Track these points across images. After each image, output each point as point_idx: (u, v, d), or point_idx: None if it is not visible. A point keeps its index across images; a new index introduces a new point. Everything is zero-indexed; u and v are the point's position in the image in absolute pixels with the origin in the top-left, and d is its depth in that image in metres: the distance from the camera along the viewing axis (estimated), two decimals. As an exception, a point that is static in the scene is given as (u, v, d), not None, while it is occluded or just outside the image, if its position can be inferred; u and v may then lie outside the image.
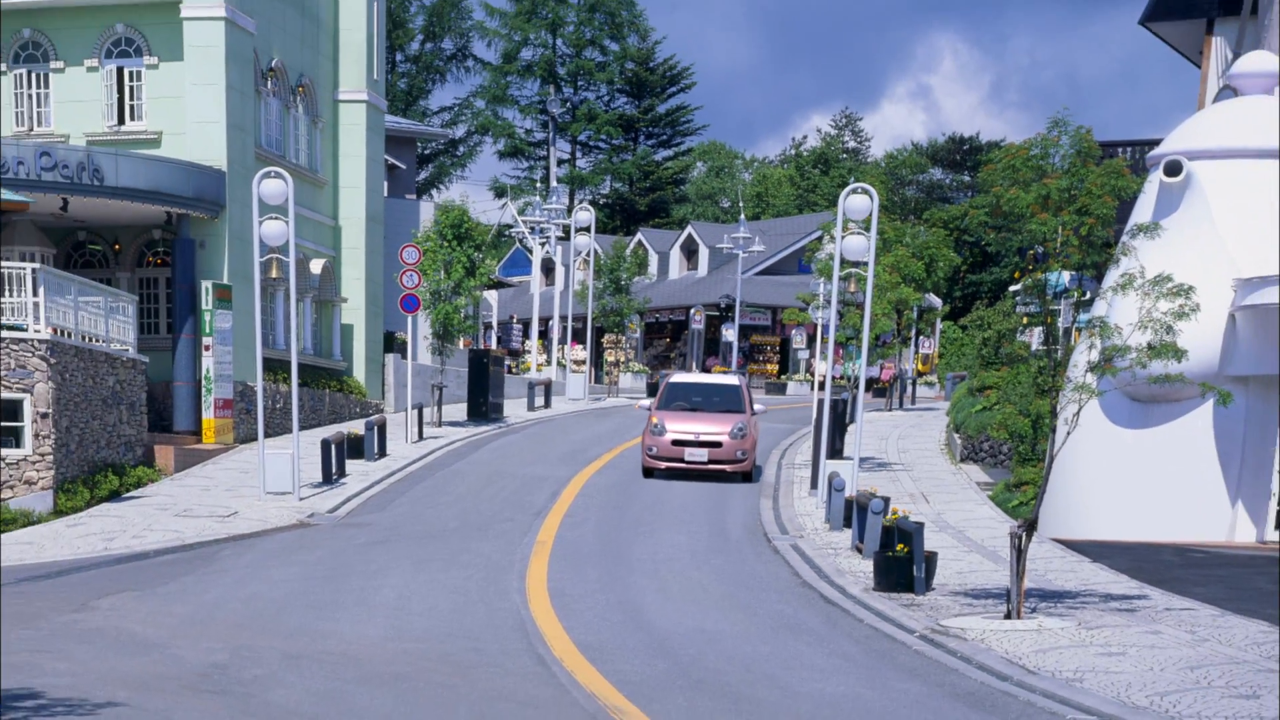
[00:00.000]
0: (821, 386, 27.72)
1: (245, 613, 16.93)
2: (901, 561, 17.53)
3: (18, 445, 24.75)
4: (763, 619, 16.55)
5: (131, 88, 33.15)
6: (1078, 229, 15.28)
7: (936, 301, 54.67)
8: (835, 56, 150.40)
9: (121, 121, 33.13)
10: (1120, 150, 28.66)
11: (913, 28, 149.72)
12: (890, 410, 45.75)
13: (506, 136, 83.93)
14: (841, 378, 33.50)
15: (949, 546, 20.80)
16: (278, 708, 12.15)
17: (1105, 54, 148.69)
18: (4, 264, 25.96)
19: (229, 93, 32.22)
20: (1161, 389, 18.34)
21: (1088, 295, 16.82)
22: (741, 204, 74.23)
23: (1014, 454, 28.37)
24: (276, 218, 25.88)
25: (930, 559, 17.80)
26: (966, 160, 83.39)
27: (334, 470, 28.11)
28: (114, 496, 26.55)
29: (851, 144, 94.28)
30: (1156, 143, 24.37)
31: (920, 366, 57.50)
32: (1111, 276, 15.81)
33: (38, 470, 24.86)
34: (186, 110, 32.26)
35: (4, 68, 33.45)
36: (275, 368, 32.56)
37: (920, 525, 17.93)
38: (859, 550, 20.30)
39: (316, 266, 36.79)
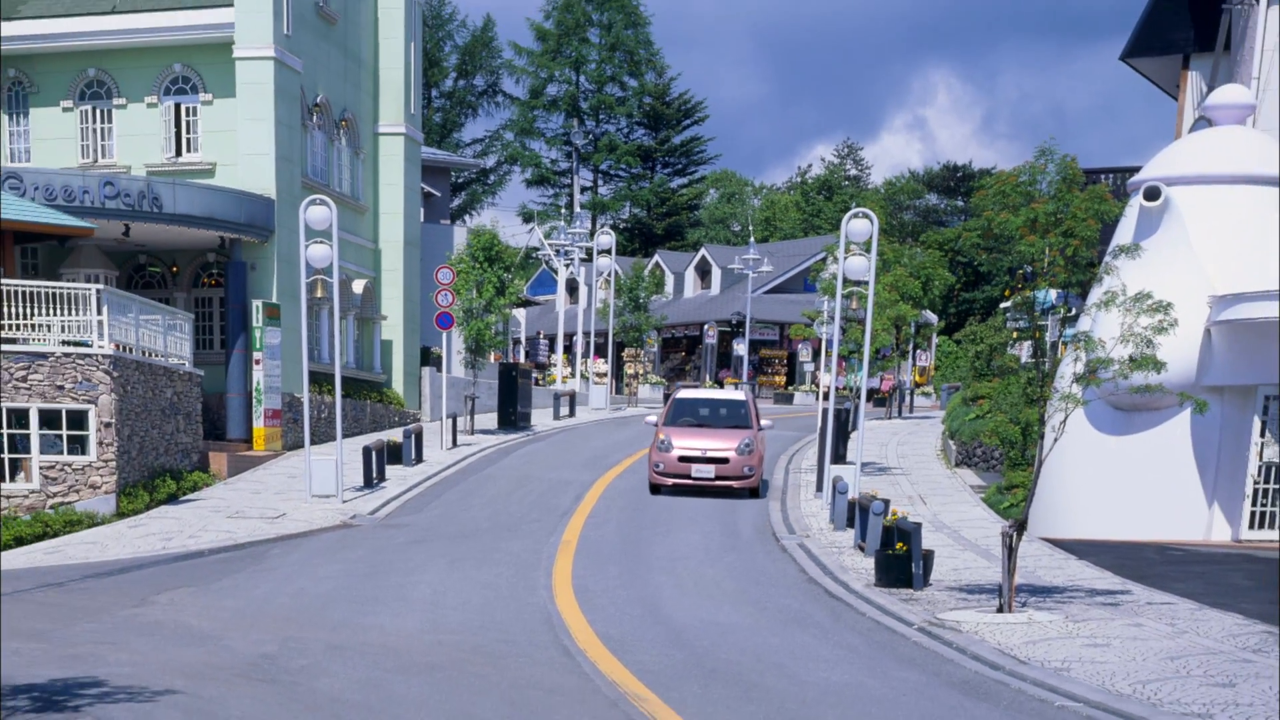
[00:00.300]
0: (826, 397, 27.71)
1: (292, 607, 16.96)
2: (901, 559, 17.49)
3: (83, 452, 24.85)
4: (772, 613, 16.52)
5: (188, 122, 33.33)
6: (1064, 250, 15.27)
7: (932, 318, 54.56)
8: (837, 91, 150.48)
9: (179, 153, 33.30)
10: (1103, 177, 28.58)
11: (909, 64, 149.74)
12: (890, 419, 45.68)
13: (533, 166, 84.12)
14: (844, 388, 33.39)
15: (945, 545, 20.75)
16: (323, 695, 12.17)
17: (1088, 88, 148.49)
18: (71, 285, 26.09)
19: (278, 127, 32.36)
20: (1142, 398, 18.31)
21: (1073, 311, 16.83)
22: (751, 228, 74.33)
23: (1005, 459, 28.28)
24: (321, 242, 26.00)
25: (927, 557, 17.76)
26: (960, 187, 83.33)
27: (374, 475, 28.17)
28: (172, 499, 26.63)
29: (853, 172, 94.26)
30: (1136, 170, 24.32)
31: (917, 378, 57.41)
32: (1095, 294, 15.77)
33: (101, 475, 24.95)
34: (239, 143, 32.42)
35: (71, 104, 33.70)
36: (320, 380, 32.66)
37: (918, 525, 17.90)
38: (861, 549, 20.25)
39: (358, 286, 36.91)
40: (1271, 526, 21.62)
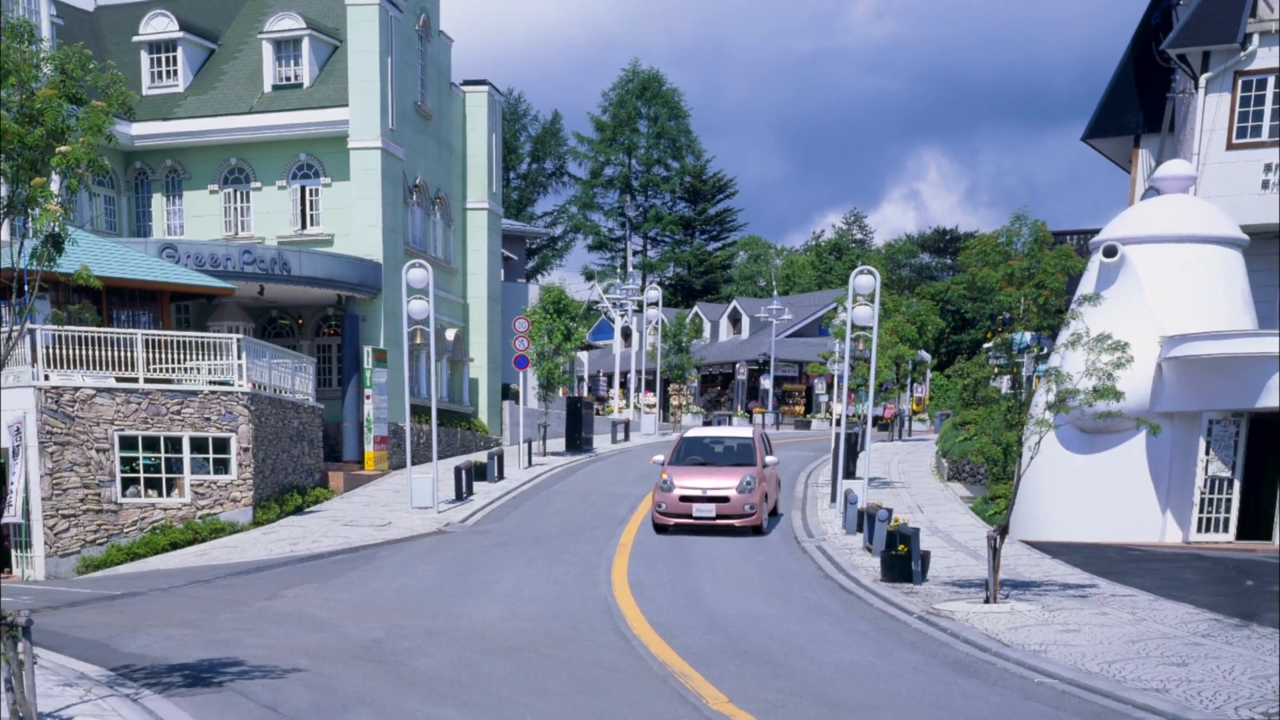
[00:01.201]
0: (838, 423, 27.52)
1: (397, 600, 16.99)
2: (903, 559, 17.33)
3: (226, 472, 25.09)
4: (794, 603, 16.39)
5: (311, 201, 33.76)
6: (1036, 299, 15.17)
7: (926, 356, 54.02)
8: (845, 168, 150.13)
9: (304, 226, 33.71)
10: (1068, 237, 28.30)
11: (905, 146, 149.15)
12: (892, 441, 45.33)
13: (594, 234, 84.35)
14: (853, 416, 33.16)
15: (940, 547, 20.54)
16: (422, 673, 12.18)
17: (1055, 164, 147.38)
18: (216, 335, 26.42)
19: (384, 204, 32.70)
20: (1104, 423, 17.95)
21: (1045, 350, 16.63)
22: (774, 283, 74.16)
23: (989, 474, 28.00)
24: (420, 298, 26.19)
25: (925, 556, 17.59)
26: (948, 247, 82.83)
27: (464, 490, 28.23)
28: (298, 511, 26.79)
29: (859, 236, 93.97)
30: (1096, 231, 24.10)
31: (915, 407, 56.86)
32: (1063, 336, 15.64)
33: (240, 491, 25.15)
34: (353, 217, 32.79)
35: (216, 188, 34.21)
36: (419, 412, 32.84)
37: (917, 530, 17.74)
38: (869, 550, 20.07)
39: (450, 335, 37.13)
40: (1215, 531, 21.28)
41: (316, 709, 10.76)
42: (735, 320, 69.19)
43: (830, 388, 45.95)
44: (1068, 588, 16.75)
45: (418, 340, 28.03)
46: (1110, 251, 21.61)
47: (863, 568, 18.84)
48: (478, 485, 29.56)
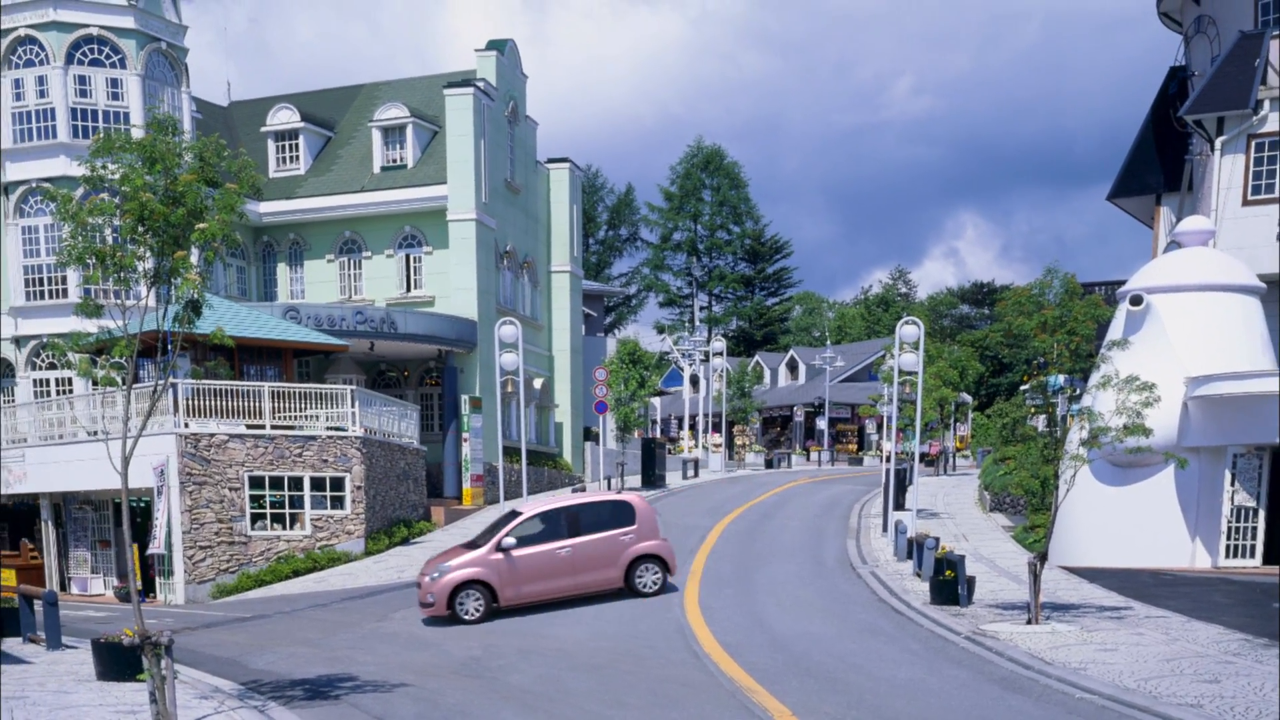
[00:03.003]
0: (888, 459, 27.16)
1: (492, 621, 16.99)
2: (950, 583, 17.00)
3: (341, 508, 25.37)
4: (851, 624, 16.13)
5: (414, 267, 34.29)
6: (1068, 345, 14.93)
7: (967, 398, 53.33)
8: (890, 229, 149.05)
9: (408, 290, 34.23)
10: (1097, 288, 27.81)
11: (944, 208, 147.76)
12: (937, 476, 44.58)
13: (664, 292, 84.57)
14: (902, 453, 32.73)
15: (984, 572, 20.12)
16: (515, 687, 12.16)
17: (1082, 221, 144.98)
18: (332, 386, 26.82)
19: (479, 269, 33.12)
20: (1135, 457, 17.52)
21: (1077, 391, 16.35)
22: (827, 333, 73.66)
23: (1029, 505, 27.40)
24: (510, 351, 26.39)
25: (970, 581, 17.24)
26: (985, 299, 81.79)
27: (551, 522, 28.18)
28: (404, 542, 26.97)
29: (903, 290, 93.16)
30: (1122, 283, 23.66)
31: (958, 444, 55.98)
32: (1094, 378, 15.34)
33: (354, 525, 25.41)
34: (451, 281, 33.24)
35: (333, 257, 34.90)
36: (510, 453, 33.00)
37: (962, 557, 17.42)
38: (919, 575, 19.72)
39: (537, 384, 37.36)
40: (1242, 556, 20.61)
41: (421, 720, 10.77)
42: (793, 367, 68.78)
43: (880, 427, 45.44)
44: (1104, 610, 16.29)
45: (509, 389, 28.24)
46: (1136, 300, 21.21)
47: (913, 592, 18.50)
48: (563, 518, 29.49)
